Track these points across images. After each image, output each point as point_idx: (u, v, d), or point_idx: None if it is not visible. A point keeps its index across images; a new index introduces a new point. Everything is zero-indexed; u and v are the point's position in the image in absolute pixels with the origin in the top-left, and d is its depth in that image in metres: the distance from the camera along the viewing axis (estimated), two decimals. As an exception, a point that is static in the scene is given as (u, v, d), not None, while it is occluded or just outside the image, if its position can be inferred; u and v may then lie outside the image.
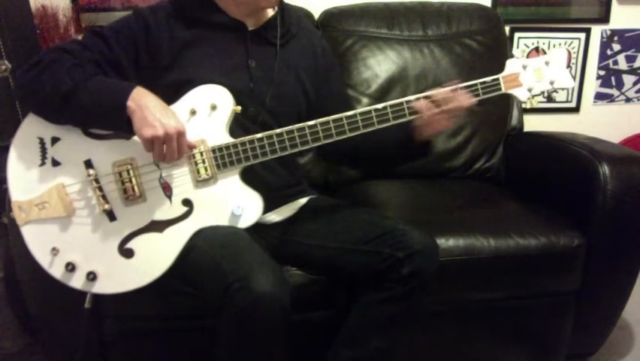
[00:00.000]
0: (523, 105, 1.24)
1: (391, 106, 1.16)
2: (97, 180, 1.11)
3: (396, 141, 1.27)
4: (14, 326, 1.58)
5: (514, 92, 1.21)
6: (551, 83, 1.22)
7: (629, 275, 1.47)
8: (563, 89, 1.23)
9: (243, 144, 1.13)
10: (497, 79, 1.20)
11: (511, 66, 1.21)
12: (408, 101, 1.16)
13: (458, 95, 1.16)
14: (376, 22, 1.86)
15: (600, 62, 2.23)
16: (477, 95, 1.18)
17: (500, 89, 1.20)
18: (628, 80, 2.27)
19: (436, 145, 1.80)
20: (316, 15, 1.89)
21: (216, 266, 1.02)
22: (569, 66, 2.19)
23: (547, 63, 1.21)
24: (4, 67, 1.45)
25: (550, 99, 1.25)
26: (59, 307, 1.30)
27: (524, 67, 1.20)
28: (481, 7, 1.95)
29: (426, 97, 1.16)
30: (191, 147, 1.11)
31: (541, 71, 1.21)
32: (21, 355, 1.59)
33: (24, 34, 1.56)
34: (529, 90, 1.21)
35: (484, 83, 1.19)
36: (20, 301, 1.42)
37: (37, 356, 1.58)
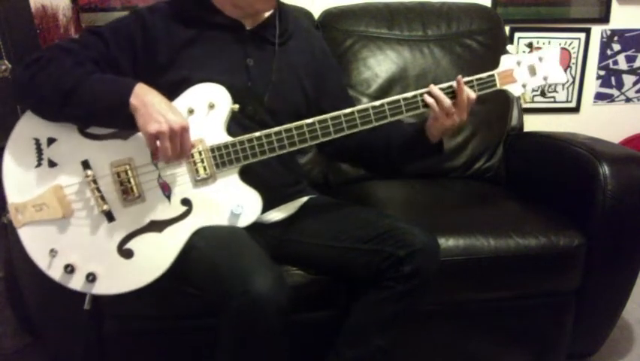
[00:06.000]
0: (522, 103, 1.25)
1: (389, 103, 1.16)
2: (95, 181, 1.11)
3: (406, 140, 1.27)
4: (14, 326, 1.58)
5: (508, 87, 1.22)
6: (545, 78, 1.23)
7: (629, 275, 1.47)
8: (556, 84, 1.24)
9: (241, 142, 1.13)
10: (492, 75, 1.21)
11: (505, 62, 1.22)
12: (405, 98, 1.17)
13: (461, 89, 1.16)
14: (376, 22, 1.86)
15: (600, 62, 2.23)
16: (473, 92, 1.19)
17: (495, 85, 1.21)
18: (628, 80, 2.27)
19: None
20: (316, 15, 1.89)
21: (215, 268, 1.02)
22: (568, 66, 2.19)
23: (540, 59, 1.23)
24: (4, 67, 1.45)
25: (544, 94, 1.26)
26: (59, 307, 1.29)
27: (518, 63, 1.22)
28: (481, 7, 1.96)
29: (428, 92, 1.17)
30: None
31: (534, 67, 1.22)
32: (21, 355, 1.59)
33: (24, 34, 1.56)
34: (524, 86, 1.23)
35: (480, 79, 1.20)
36: (20, 301, 1.42)
37: (37, 356, 1.57)
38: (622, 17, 2.17)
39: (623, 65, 2.24)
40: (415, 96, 1.17)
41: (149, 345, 1.37)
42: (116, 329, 1.33)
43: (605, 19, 2.17)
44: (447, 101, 1.15)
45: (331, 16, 1.87)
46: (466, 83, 1.18)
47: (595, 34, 2.19)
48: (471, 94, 1.17)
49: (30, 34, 1.62)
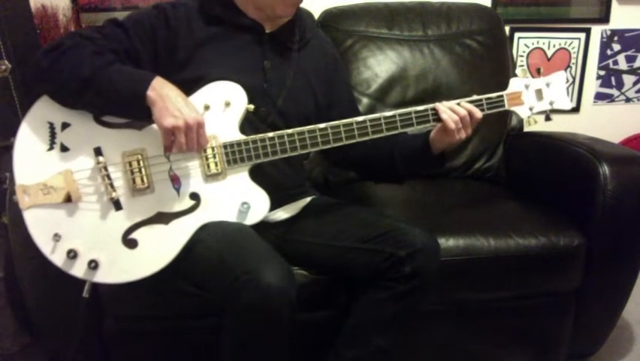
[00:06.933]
0: (526, 125, 1.29)
1: (400, 114, 1.19)
2: (106, 168, 1.11)
3: (410, 152, 1.29)
4: (14, 325, 1.58)
5: (516, 109, 1.27)
6: (551, 103, 1.29)
7: (629, 275, 1.47)
8: (561, 110, 1.31)
9: (254, 141, 1.14)
10: (501, 96, 1.25)
11: (514, 84, 1.27)
12: (417, 111, 1.19)
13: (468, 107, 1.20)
14: (376, 22, 1.86)
15: (600, 62, 2.23)
16: (482, 110, 1.23)
17: (504, 105, 1.26)
18: (628, 80, 2.27)
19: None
20: (316, 15, 1.89)
21: (222, 261, 1.02)
22: (568, 66, 2.19)
23: (547, 85, 1.28)
24: (4, 67, 1.45)
25: (549, 119, 1.30)
26: (59, 307, 1.29)
27: (526, 86, 1.27)
28: (481, 7, 1.96)
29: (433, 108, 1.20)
30: None
31: (542, 92, 1.28)
32: (21, 355, 1.59)
33: (24, 34, 1.57)
34: (530, 109, 1.28)
35: (490, 98, 1.24)
36: (20, 301, 1.42)
37: (37, 356, 1.57)
38: (622, 17, 2.18)
39: (623, 65, 2.25)
40: (426, 110, 1.20)
41: (149, 345, 1.37)
42: (116, 329, 1.33)
43: (605, 19, 2.17)
44: (455, 116, 1.18)
45: (331, 16, 1.87)
46: (476, 101, 1.22)
47: (595, 34, 2.19)
48: (477, 113, 1.20)
49: (30, 34, 1.62)
